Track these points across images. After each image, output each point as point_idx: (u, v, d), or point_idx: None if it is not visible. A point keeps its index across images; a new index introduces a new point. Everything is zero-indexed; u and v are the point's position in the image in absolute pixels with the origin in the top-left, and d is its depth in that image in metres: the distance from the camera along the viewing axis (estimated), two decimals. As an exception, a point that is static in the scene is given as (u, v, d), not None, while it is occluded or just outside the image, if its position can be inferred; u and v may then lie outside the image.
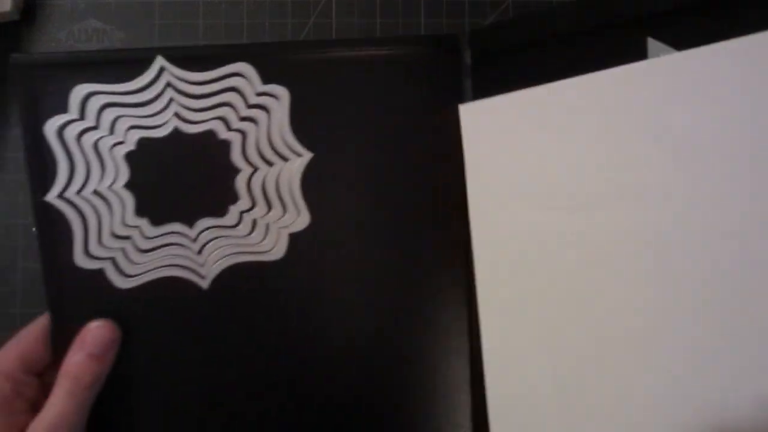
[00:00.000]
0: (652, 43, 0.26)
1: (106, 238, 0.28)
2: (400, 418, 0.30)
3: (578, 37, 0.28)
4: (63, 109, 0.28)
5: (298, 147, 0.29)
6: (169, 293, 0.28)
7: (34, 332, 0.28)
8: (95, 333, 0.28)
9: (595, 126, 0.27)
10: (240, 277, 0.29)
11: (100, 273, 0.28)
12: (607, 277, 0.26)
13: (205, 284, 0.29)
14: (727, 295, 0.24)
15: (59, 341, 0.28)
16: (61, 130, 0.28)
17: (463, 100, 0.29)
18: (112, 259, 0.28)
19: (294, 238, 0.29)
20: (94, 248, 0.28)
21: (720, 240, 0.24)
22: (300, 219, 0.29)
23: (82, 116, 0.28)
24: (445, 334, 0.30)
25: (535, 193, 0.28)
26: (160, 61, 0.28)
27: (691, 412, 0.25)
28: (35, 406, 0.27)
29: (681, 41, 0.25)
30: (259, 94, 0.28)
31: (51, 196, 0.28)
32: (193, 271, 0.29)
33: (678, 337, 0.25)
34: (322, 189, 0.29)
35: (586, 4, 0.29)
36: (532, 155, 0.28)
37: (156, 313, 0.29)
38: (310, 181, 0.29)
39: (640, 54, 0.26)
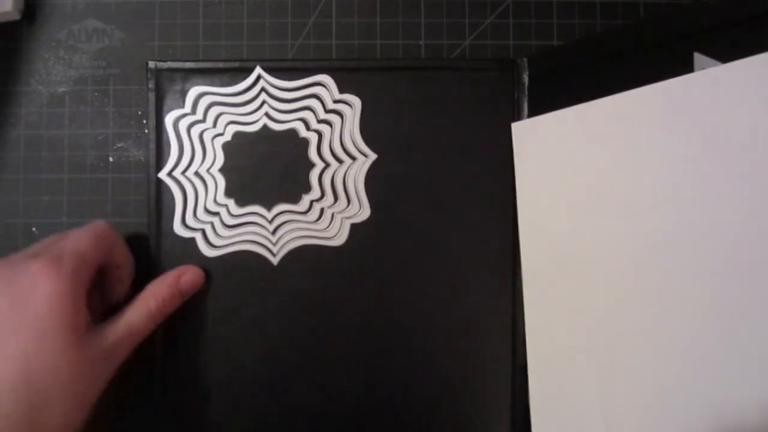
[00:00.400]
0: (699, 58, 0.27)
1: (200, 213, 0.34)
2: (447, 400, 0.34)
3: (627, 56, 0.30)
4: (180, 105, 0.34)
5: (365, 148, 0.34)
6: (245, 264, 0.34)
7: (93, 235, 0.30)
8: (192, 277, 0.33)
9: (635, 136, 0.28)
10: (306, 258, 0.34)
11: (192, 241, 0.34)
12: (647, 280, 0.27)
13: (275, 261, 0.34)
14: (757, 297, 0.24)
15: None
16: (177, 122, 0.34)
17: (519, 117, 0.34)
18: (203, 231, 0.34)
19: (354, 228, 0.34)
20: (190, 220, 0.34)
21: (756, 247, 0.24)
22: (362, 212, 0.34)
23: (193, 111, 0.34)
24: (491, 333, 0.34)
25: (579, 201, 0.30)
26: (258, 71, 0.34)
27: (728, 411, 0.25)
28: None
29: (727, 55, 0.26)
30: (336, 101, 0.34)
31: (162, 173, 0.34)
32: (266, 248, 0.34)
33: (719, 336, 0.25)
34: (382, 187, 0.34)
35: (634, 26, 0.31)
36: (576, 166, 0.30)
37: (232, 280, 0.34)
38: (373, 179, 0.34)
39: (688, 69, 0.27)
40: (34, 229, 0.37)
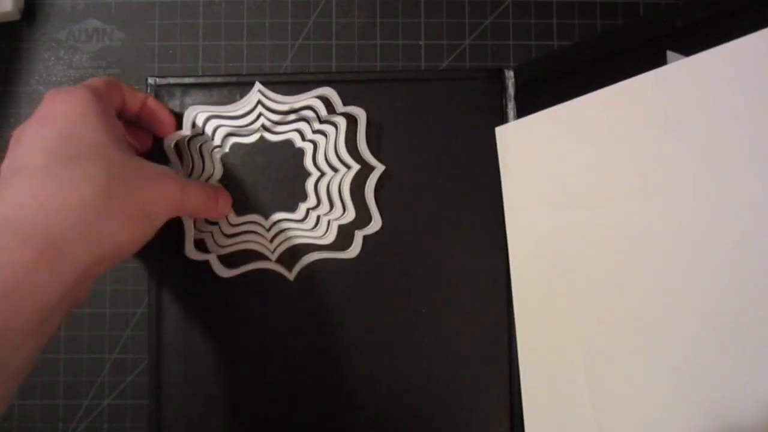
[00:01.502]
0: (672, 55, 0.27)
1: (201, 223, 0.35)
2: (449, 402, 0.35)
3: (612, 61, 0.31)
4: (179, 120, 0.35)
5: (372, 159, 0.35)
6: (257, 280, 0.35)
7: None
8: (227, 199, 0.34)
9: (612, 132, 0.28)
10: (315, 270, 0.35)
11: (199, 242, 0.35)
12: (638, 277, 0.27)
13: (291, 277, 0.35)
14: (745, 292, 0.24)
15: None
16: (177, 136, 0.34)
17: (506, 122, 0.35)
18: (203, 239, 0.35)
19: (342, 228, 0.35)
20: (191, 230, 0.35)
21: (737, 236, 0.24)
22: (373, 224, 0.35)
23: (193, 125, 0.35)
24: (489, 335, 0.35)
25: (562, 197, 0.30)
26: (257, 86, 0.34)
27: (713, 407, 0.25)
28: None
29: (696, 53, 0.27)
30: (330, 116, 0.35)
31: None
32: (265, 256, 0.35)
33: (694, 331, 0.25)
34: (382, 195, 0.35)
35: (608, 34, 0.32)
36: (559, 165, 0.31)
37: (244, 296, 0.35)
38: (370, 188, 0.34)
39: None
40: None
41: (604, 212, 0.28)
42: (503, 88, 0.35)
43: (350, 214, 0.34)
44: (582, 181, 0.29)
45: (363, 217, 0.34)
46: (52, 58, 0.38)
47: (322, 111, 0.34)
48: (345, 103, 0.34)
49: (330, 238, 0.34)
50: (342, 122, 0.34)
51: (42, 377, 0.36)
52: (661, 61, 0.27)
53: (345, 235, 0.34)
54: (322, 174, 0.35)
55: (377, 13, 0.38)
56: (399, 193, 0.35)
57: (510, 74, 0.35)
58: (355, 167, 0.34)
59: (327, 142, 0.34)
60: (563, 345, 0.30)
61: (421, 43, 0.37)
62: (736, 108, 0.24)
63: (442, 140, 0.35)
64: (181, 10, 0.38)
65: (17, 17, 0.37)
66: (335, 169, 0.34)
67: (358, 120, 0.34)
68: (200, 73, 0.37)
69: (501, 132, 0.34)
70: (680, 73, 0.26)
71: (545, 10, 0.37)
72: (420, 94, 0.35)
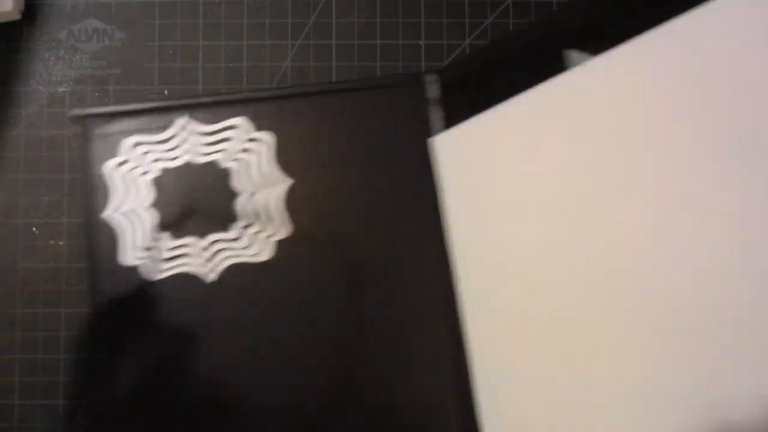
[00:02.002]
0: (571, 54, 0.28)
1: (137, 250, 0.35)
2: (381, 406, 0.34)
3: (521, 61, 0.31)
4: (109, 147, 0.36)
5: (281, 176, 0.35)
6: (182, 286, 0.35)
7: None
8: None
9: (546, 133, 0.28)
10: (238, 276, 0.35)
11: (134, 269, 0.35)
12: (583, 280, 0.27)
13: (210, 278, 0.35)
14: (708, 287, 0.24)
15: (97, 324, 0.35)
16: (107, 164, 0.35)
17: (431, 129, 0.35)
18: (141, 264, 0.35)
19: (280, 244, 0.35)
20: (129, 253, 0.35)
21: (667, 237, 0.24)
22: (279, 229, 0.35)
23: (122, 153, 0.36)
24: (426, 334, 0.34)
25: (502, 204, 0.30)
26: (180, 117, 0.35)
27: (683, 410, 0.25)
28: None
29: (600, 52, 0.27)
30: (251, 140, 0.35)
31: (103, 214, 0.35)
32: (202, 274, 0.35)
33: (636, 336, 0.25)
34: (303, 208, 0.35)
35: (518, 35, 0.33)
36: (493, 171, 0.30)
37: (172, 301, 0.35)
38: (292, 200, 0.35)
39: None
40: (34, 228, 0.37)
41: (546, 219, 0.28)
42: (424, 93, 0.35)
43: (284, 229, 0.35)
44: (525, 186, 0.29)
45: (296, 230, 0.35)
46: (52, 58, 0.38)
47: (246, 130, 0.35)
48: (260, 124, 0.35)
49: (265, 254, 0.35)
50: (266, 139, 0.35)
51: (42, 377, 0.36)
52: (561, 65, 0.28)
53: (278, 248, 0.35)
54: (251, 192, 0.35)
55: (377, 13, 0.38)
56: (322, 204, 0.35)
57: (432, 78, 0.35)
58: (284, 182, 0.35)
59: (252, 161, 0.35)
60: (515, 354, 0.30)
61: (421, 43, 0.37)
62: (651, 104, 0.24)
63: (366, 149, 0.35)
64: (181, 10, 0.38)
65: (17, 17, 0.37)
66: (262, 186, 0.35)
67: (268, 142, 0.35)
68: (182, 83, 0.37)
69: (436, 141, 0.34)
70: (593, 72, 0.26)
71: (545, 10, 0.37)
72: (334, 105, 0.35)
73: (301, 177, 0.35)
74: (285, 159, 0.35)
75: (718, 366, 0.24)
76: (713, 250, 0.22)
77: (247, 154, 0.35)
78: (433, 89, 0.35)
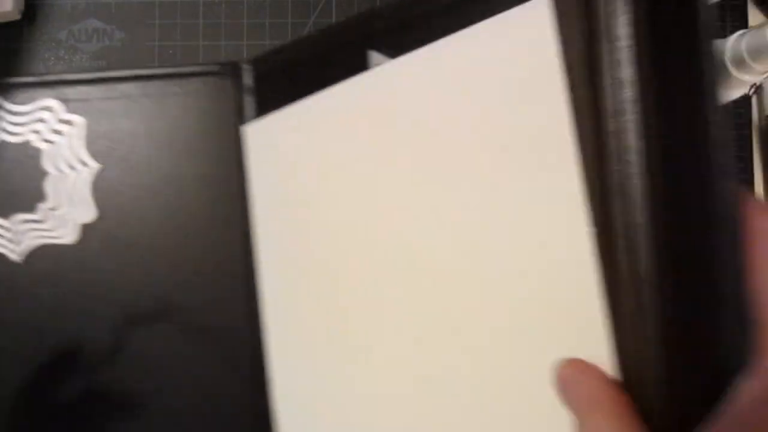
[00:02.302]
0: (373, 55, 0.29)
1: None
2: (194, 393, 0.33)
3: (346, 51, 0.31)
4: None
5: (89, 160, 0.35)
6: None
7: None
8: None
9: (339, 130, 0.29)
10: (45, 258, 0.35)
11: None
12: (385, 277, 0.27)
13: (18, 260, 0.35)
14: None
15: None
16: None
17: (244, 118, 0.34)
18: None
19: (85, 229, 0.35)
20: None
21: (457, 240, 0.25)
22: (88, 213, 0.34)
23: None
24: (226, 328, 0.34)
25: (310, 197, 0.30)
26: None
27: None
28: None
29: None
30: (63, 121, 0.35)
31: None
32: (9, 255, 0.35)
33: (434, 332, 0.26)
34: (110, 191, 0.35)
35: (344, 23, 0.33)
36: (303, 163, 0.31)
37: None
38: (100, 185, 0.34)
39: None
40: (34, 229, 0.37)
41: (348, 209, 0.28)
42: (240, 83, 0.34)
43: (91, 212, 0.34)
44: (336, 180, 0.29)
45: (101, 216, 0.35)
46: (52, 58, 0.38)
47: (58, 112, 0.35)
48: (72, 107, 0.35)
49: (70, 237, 0.35)
50: (78, 121, 0.35)
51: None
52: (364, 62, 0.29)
53: (83, 232, 0.34)
54: (60, 173, 0.35)
55: (377, 13, 0.38)
56: (128, 191, 0.35)
57: (247, 67, 0.34)
58: (92, 167, 0.34)
59: (63, 143, 0.35)
60: (316, 348, 0.30)
61: (421, 43, 0.38)
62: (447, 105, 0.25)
63: (175, 138, 0.34)
64: (181, 10, 0.38)
65: (17, 17, 0.37)
66: (73, 168, 0.35)
67: (79, 125, 0.35)
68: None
69: (248, 130, 0.33)
70: (386, 74, 0.27)
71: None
72: (150, 90, 0.35)
73: (110, 163, 0.35)
74: (94, 144, 0.35)
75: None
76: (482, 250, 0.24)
77: (59, 136, 0.35)
78: (247, 77, 0.34)
